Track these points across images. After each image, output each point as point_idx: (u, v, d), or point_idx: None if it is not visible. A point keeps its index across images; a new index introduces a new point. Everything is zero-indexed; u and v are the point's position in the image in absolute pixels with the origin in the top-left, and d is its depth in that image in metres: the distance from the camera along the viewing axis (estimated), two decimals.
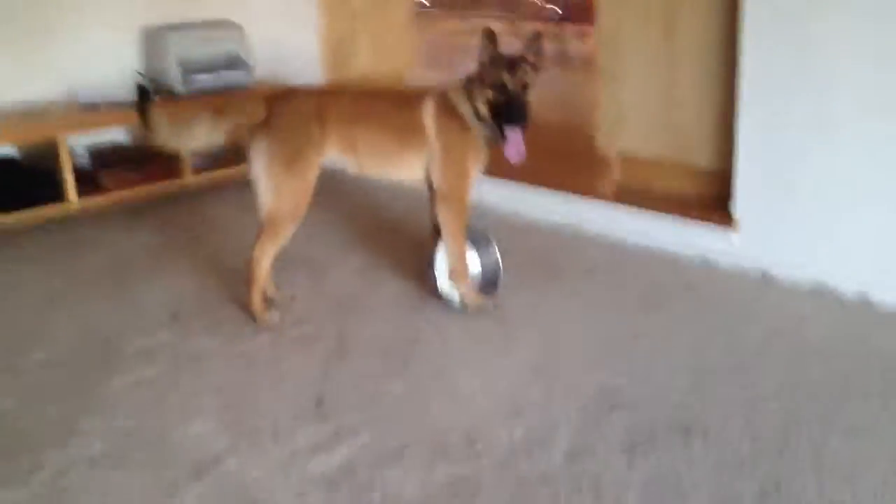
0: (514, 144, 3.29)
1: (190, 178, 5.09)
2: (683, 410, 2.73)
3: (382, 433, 2.66)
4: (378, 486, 2.41)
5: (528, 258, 3.99)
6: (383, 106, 3.43)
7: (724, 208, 3.73)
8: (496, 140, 3.34)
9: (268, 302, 3.53)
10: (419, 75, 7.10)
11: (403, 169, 3.46)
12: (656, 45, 3.95)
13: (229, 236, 4.37)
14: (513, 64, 3.25)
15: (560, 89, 7.10)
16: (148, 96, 3.18)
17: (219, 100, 4.63)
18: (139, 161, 4.99)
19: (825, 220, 3.45)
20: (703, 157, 3.90)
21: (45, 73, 5.05)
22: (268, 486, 2.43)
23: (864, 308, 3.39)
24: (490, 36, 3.29)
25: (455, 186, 3.38)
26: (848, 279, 3.43)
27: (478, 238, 3.58)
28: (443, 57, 8.97)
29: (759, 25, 3.45)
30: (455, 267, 3.44)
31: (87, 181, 4.84)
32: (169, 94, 5.10)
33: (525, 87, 3.25)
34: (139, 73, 5.22)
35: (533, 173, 4.48)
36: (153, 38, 5.21)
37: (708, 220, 3.77)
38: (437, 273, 3.48)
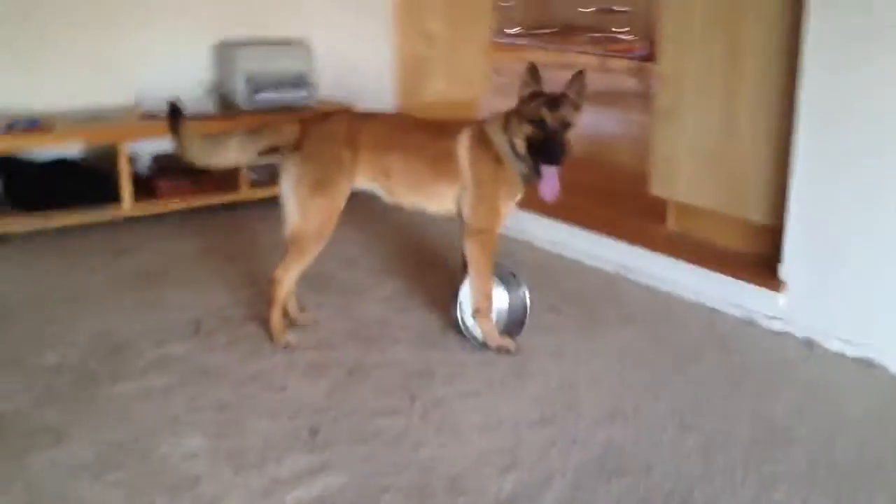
0: (549, 183, 3.20)
1: (246, 192, 5.11)
2: (688, 483, 2.56)
3: (368, 472, 2.57)
4: None
5: (564, 300, 3.86)
6: (418, 135, 3.37)
7: (774, 268, 3.53)
8: (531, 177, 3.24)
9: (290, 322, 3.48)
10: (494, 104, 7.05)
11: (435, 200, 3.39)
12: (717, 88, 3.78)
13: (273, 252, 4.29)
14: (554, 101, 3.16)
15: (635, 129, 6.93)
16: (180, 112, 3.17)
17: (255, 120, 4.61)
18: (197, 172, 5.02)
19: (876, 291, 3.23)
20: (756, 211, 3.71)
21: (118, 82, 5.18)
22: None
23: None
24: (532, 71, 3.21)
25: (484, 221, 3.29)
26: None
27: (507, 276, 3.48)
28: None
29: (817, 79, 3.27)
30: (479, 304, 3.34)
31: (145, 187, 4.90)
32: (233, 109, 5.15)
33: (565, 124, 3.15)
34: (206, 86, 5.28)
35: (585, 214, 4.37)
36: (223, 53, 5.28)
37: (755, 279, 3.58)
38: (460, 308, 3.38)
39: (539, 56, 10.38)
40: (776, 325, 3.54)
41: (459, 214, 3.35)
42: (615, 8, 11.24)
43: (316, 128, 3.30)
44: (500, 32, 10.15)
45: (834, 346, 3.37)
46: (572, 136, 3.21)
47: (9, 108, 4.77)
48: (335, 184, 3.27)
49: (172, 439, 2.71)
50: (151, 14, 5.22)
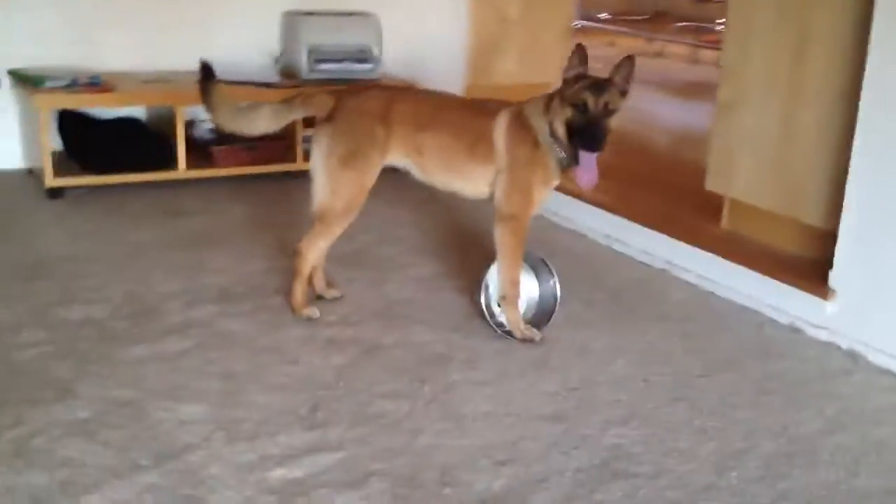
0: (587, 170, 3.08)
1: (301, 163, 5.08)
2: (693, 494, 2.42)
3: (360, 454, 2.51)
4: None
5: (603, 294, 3.73)
6: (455, 113, 3.28)
7: (825, 275, 3.33)
8: (569, 163, 3.12)
9: (317, 296, 3.45)
10: None
11: (468, 182, 3.29)
12: (779, 83, 3.58)
13: None
14: (598, 85, 3.03)
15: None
16: (212, 75, 3.14)
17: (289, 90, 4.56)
18: (255, 140, 5.03)
19: None
20: (812, 214, 3.51)
21: (184, 47, 5.16)
22: (217, 488, 2.32)
23: None
24: (580, 52, 3.07)
25: (517, 206, 3.19)
26: None
27: (538, 265, 3.37)
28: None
29: (882, 78, 3.06)
30: (506, 292, 3.24)
31: (202, 152, 4.93)
32: (295, 79, 5.13)
33: (608, 110, 3.02)
34: (271, 55, 5.28)
35: (639, 207, 4.22)
36: (290, 23, 5.26)
37: (803, 285, 3.38)
38: (486, 294, 3.28)
39: (627, 43, 10.15)
40: (822, 335, 3.35)
41: (492, 199, 3.24)
42: None
43: (350, 100, 3.23)
44: (588, 17, 9.93)
45: (880, 361, 3.17)
46: (616, 122, 3.08)
47: (76, 66, 4.84)
48: (366, 158, 3.20)
49: (172, 404, 2.69)
50: None
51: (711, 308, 3.65)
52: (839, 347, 3.30)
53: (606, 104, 3.02)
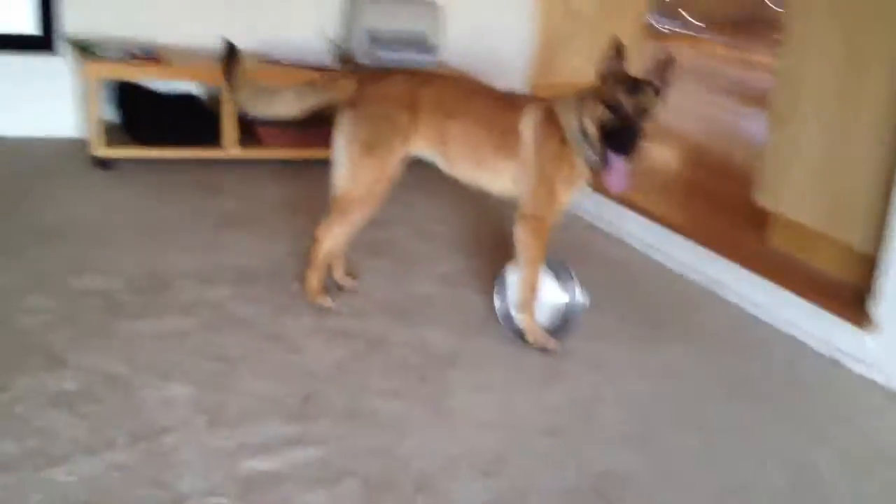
0: (618, 173, 2.92)
1: None
2: None
3: (340, 452, 2.41)
4: None
5: (634, 307, 3.57)
6: (482, 103, 3.15)
7: (865, 303, 3.12)
8: (599, 165, 2.97)
9: (337, 286, 3.39)
10: None
11: (493, 178, 3.17)
12: (833, 95, 3.37)
13: None
14: (634, 84, 2.87)
15: None
16: (236, 55, 3.07)
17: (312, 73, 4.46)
18: (304, 123, 4.97)
19: None
20: (861, 237, 3.29)
21: (249, 25, 5.16)
22: (185, 474, 2.25)
23: None
24: (618, 48, 2.91)
25: (540, 206, 3.05)
26: None
27: (562, 272, 3.22)
28: (688, 82, 8.43)
29: None
30: (524, 296, 3.10)
31: (251, 132, 4.89)
32: (350, 64, 5.06)
33: (642, 112, 2.86)
34: (330, 39, 5.22)
35: (686, 218, 4.05)
36: (351, 7, 5.18)
37: (844, 313, 3.17)
38: (500, 296, 3.15)
39: (715, 50, 9.84)
40: (860, 369, 3.13)
41: (517, 197, 3.11)
42: None
43: (374, 86, 3.13)
44: (677, 21, 9.66)
45: None
46: (650, 125, 2.92)
47: (138, 38, 4.85)
48: (389, 146, 3.10)
49: (160, 383, 2.64)
50: None
51: (748, 331, 3.46)
52: (877, 384, 3.08)
53: (642, 106, 2.86)
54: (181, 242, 3.70)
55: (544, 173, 3.04)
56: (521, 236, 3.08)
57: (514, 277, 3.14)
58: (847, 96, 3.32)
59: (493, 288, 3.21)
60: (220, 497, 2.17)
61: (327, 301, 3.24)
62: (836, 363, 3.22)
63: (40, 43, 4.88)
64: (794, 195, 3.56)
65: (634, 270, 3.96)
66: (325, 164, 4.07)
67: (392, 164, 3.12)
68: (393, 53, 5.03)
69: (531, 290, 3.10)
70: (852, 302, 3.21)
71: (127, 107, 4.88)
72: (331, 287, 3.35)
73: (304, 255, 3.46)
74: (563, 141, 3.01)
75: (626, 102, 2.86)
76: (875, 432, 2.84)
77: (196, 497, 2.16)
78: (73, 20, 4.88)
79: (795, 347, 3.33)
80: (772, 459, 2.60)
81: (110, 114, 4.90)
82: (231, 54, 3.09)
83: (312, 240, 3.20)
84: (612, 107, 2.87)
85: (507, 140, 3.08)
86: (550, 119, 3.04)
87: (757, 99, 8.16)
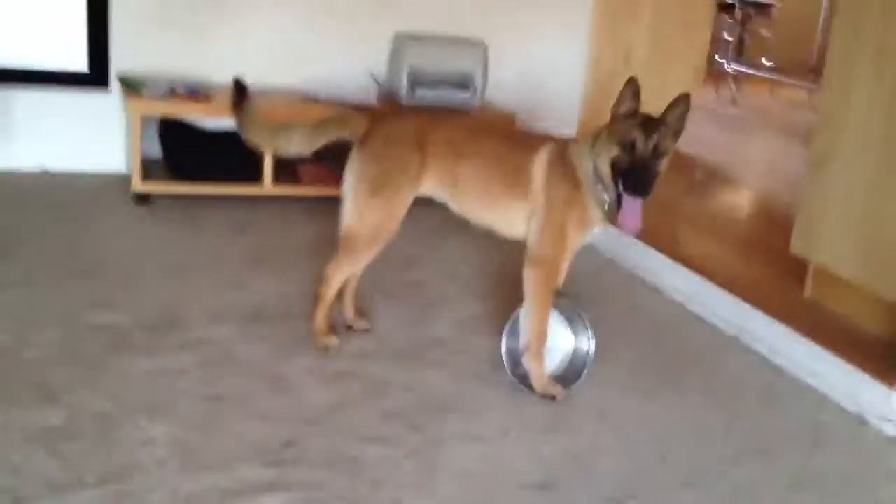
0: (631, 215, 2.82)
1: None
2: None
3: (311, 499, 2.36)
4: None
5: (657, 355, 3.43)
6: (493, 144, 3.08)
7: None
8: (613, 206, 2.87)
9: (347, 327, 3.35)
10: (698, 135, 6.53)
11: (505, 220, 3.09)
12: (874, 138, 3.19)
13: (388, 251, 4.17)
14: (649, 123, 2.77)
15: None
16: (245, 91, 3.06)
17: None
18: (341, 161, 4.97)
19: None
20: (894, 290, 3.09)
21: (289, 64, 5.22)
22: None
23: None
24: (633, 86, 2.82)
25: (548, 249, 2.96)
26: None
27: (574, 317, 3.10)
28: (753, 124, 8.22)
29: None
30: (531, 342, 3.00)
31: (290, 169, 4.90)
32: (392, 103, 5.06)
33: (658, 152, 2.76)
34: (374, 78, 5.22)
35: (720, 266, 3.90)
36: (396, 45, 5.18)
37: (873, 370, 2.98)
38: (508, 340, 3.05)
39: (787, 93, 9.58)
40: (888, 429, 2.93)
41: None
42: None
43: (384, 125, 3.09)
44: (752, 63, 9.43)
45: None
46: (665, 166, 2.81)
47: (186, 76, 4.91)
48: (397, 187, 3.05)
49: (145, 423, 2.61)
50: (331, 1, 5.21)
51: (773, 385, 3.28)
52: None
53: (657, 145, 2.76)
54: (201, 279, 3.70)
55: (553, 216, 2.95)
56: (529, 280, 2.99)
57: (524, 321, 3.04)
58: (890, 141, 3.14)
59: (503, 331, 3.10)
60: None
61: (332, 341, 3.18)
62: (862, 421, 3.02)
63: (91, 79, 4.98)
64: (830, 245, 3.38)
65: (665, 319, 3.82)
66: None
67: (400, 204, 3.07)
68: (433, 92, 5.00)
69: (539, 335, 2.99)
70: (884, 358, 3.01)
71: (169, 143, 4.94)
72: (341, 328, 3.29)
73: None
74: (574, 182, 2.92)
75: (641, 142, 2.76)
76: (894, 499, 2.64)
77: None
78: (125, 58, 4.97)
79: (821, 403, 3.15)
80: None
81: (155, 150, 4.95)
82: (241, 92, 3.08)
83: (319, 279, 3.15)
84: (627, 147, 2.78)
85: (517, 181, 3.00)
86: (563, 160, 2.96)
87: None
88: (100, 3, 4.85)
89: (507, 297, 3.70)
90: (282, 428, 2.66)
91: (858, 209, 3.25)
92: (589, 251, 4.40)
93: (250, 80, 4.96)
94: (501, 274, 4.10)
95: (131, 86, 4.74)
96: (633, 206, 2.82)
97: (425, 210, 3.19)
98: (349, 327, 3.36)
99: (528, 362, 3.01)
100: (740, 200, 5.34)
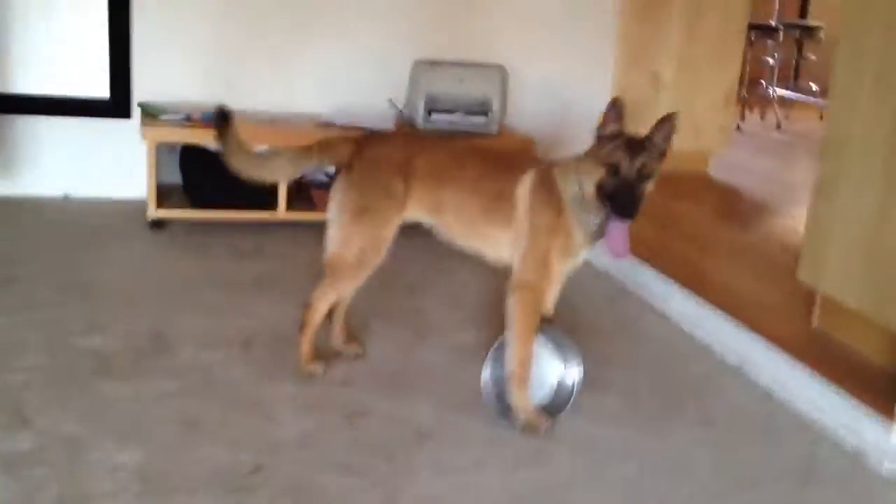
0: (617, 238, 2.77)
1: None
2: None
3: None
4: None
5: (654, 385, 3.33)
6: (477, 168, 3.03)
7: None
8: (599, 231, 2.80)
9: (337, 353, 3.31)
10: (734, 161, 6.40)
11: (490, 245, 3.05)
12: (878, 162, 3.07)
13: (394, 278, 4.13)
14: (635, 144, 2.71)
15: None
16: (228, 118, 3.06)
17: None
18: None
19: None
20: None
21: (310, 90, 5.24)
22: None
23: None
24: (617, 106, 2.75)
25: (531, 275, 2.90)
26: None
27: (564, 347, 3.03)
28: (798, 150, 8.02)
29: None
30: (515, 371, 2.92)
31: (305, 194, 4.91)
32: (410, 127, 5.04)
33: (643, 174, 2.69)
34: (393, 104, 5.22)
35: (729, 293, 3.77)
36: (414, 72, 5.17)
37: (873, 403, 2.85)
38: (491, 369, 2.98)
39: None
40: (886, 465, 2.78)
41: None
42: None
43: (368, 149, 3.06)
44: (798, 88, 9.25)
45: None
46: (652, 187, 2.75)
47: (201, 102, 4.95)
48: (380, 212, 3.01)
49: (114, 448, 2.60)
50: (352, 29, 5.23)
51: (772, 417, 3.15)
52: None
53: (642, 167, 2.70)
54: (200, 303, 3.70)
55: (537, 241, 2.89)
56: (513, 307, 2.92)
57: (509, 350, 2.97)
58: (893, 169, 3.01)
59: (487, 358, 3.02)
60: None
61: (317, 368, 3.15)
62: (860, 456, 2.88)
63: (113, 107, 5.06)
64: (835, 273, 3.25)
65: (670, 348, 3.71)
66: None
67: (385, 229, 3.03)
68: (448, 118, 4.97)
69: (522, 362, 2.91)
70: (883, 391, 2.88)
71: (189, 169, 4.98)
72: (330, 354, 3.26)
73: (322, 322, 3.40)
74: (558, 207, 2.86)
75: (626, 164, 2.69)
76: None
77: None
78: (148, 85, 5.04)
79: (819, 437, 3.01)
80: None
81: (175, 176, 4.99)
82: (223, 118, 3.08)
83: (304, 305, 3.12)
84: (612, 169, 2.71)
85: (502, 206, 2.95)
86: (547, 184, 2.90)
87: None
88: (122, 32, 4.93)
89: None
90: (251, 454, 2.62)
91: (863, 237, 3.12)
92: (602, 278, 4.34)
93: (271, 107, 5.08)
94: None
95: (150, 113, 4.80)
96: (619, 230, 2.76)
97: (435, 236, 3.16)
98: (339, 353, 3.31)
99: (511, 392, 2.93)
100: (770, 228, 5.18)
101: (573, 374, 3.00)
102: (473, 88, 5.05)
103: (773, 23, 8.95)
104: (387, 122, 5.09)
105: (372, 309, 3.62)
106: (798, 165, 7.30)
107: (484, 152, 3.15)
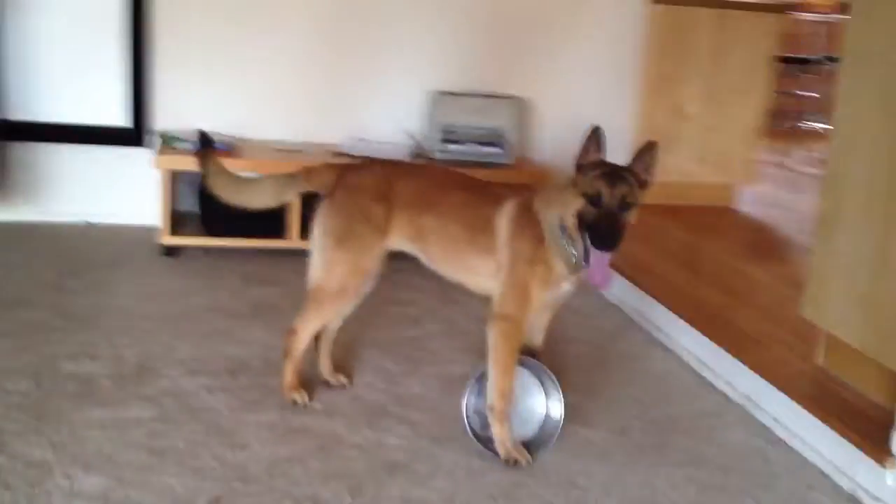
0: (599, 269, 2.70)
1: None
2: None
3: None
4: None
5: (648, 422, 3.23)
6: (458, 196, 2.99)
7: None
8: (580, 262, 2.73)
9: (323, 382, 3.28)
10: (764, 195, 6.27)
11: (471, 274, 2.99)
12: (879, 197, 2.95)
13: (400, 307, 4.10)
14: (615, 174, 2.65)
15: None
16: (210, 143, 3.05)
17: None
18: None
19: None
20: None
21: (331, 121, 5.25)
22: None
23: None
24: (597, 136, 2.69)
25: (511, 306, 2.83)
26: None
27: (548, 382, 2.95)
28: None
29: None
30: (495, 403, 2.85)
31: None
32: (423, 158, 5.02)
33: (625, 204, 2.62)
34: (409, 134, 5.21)
35: (735, 330, 3.65)
36: (430, 102, 5.15)
37: (865, 445, 2.72)
38: (470, 398, 2.91)
39: None
40: None
41: None
42: None
43: (350, 177, 3.04)
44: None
45: None
46: (633, 217, 2.67)
47: (219, 131, 4.98)
48: (362, 240, 2.99)
49: (79, 474, 2.59)
50: (370, 61, 5.24)
51: (767, 458, 3.03)
52: None
53: (623, 196, 2.63)
54: (196, 330, 3.69)
55: (518, 271, 2.82)
56: (492, 338, 2.86)
57: (489, 381, 2.90)
58: (890, 205, 2.90)
59: (467, 387, 2.95)
60: None
61: (300, 397, 3.10)
62: (854, 500, 2.74)
63: (131, 136, 5.11)
64: (837, 310, 3.12)
65: (672, 385, 3.59)
66: (390, 258, 3.83)
67: (366, 256, 3.00)
68: (460, 147, 4.95)
69: (502, 396, 2.84)
70: (883, 433, 2.74)
71: (206, 197, 4.99)
72: (318, 383, 3.22)
73: (309, 348, 3.36)
74: (538, 237, 2.80)
75: (607, 194, 2.63)
76: None
77: None
78: (166, 115, 5.09)
79: (815, 478, 2.89)
80: None
81: (192, 204, 5.01)
82: (206, 145, 3.08)
83: (287, 333, 3.08)
84: (592, 199, 2.64)
85: (482, 235, 2.90)
86: (527, 214, 2.84)
87: None
88: (143, 62, 4.99)
89: None
90: (215, 484, 2.58)
91: (864, 274, 2.99)
92: (610, 311, 4.24)
93: (287, 137, 5.10)
94: None
95: (167, 141, 4.84)
96: (600, 260, 2.69)
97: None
98: (327, 382, 3.27)
99: (491, 425, 2.85)
100: (788, 263, 5.03)
101: (557, 407, 2.91)
102: (488, 119, 5.02)
103: (807, 56, 8.80)
104: (403, 153, 5.07)
105: (370, 338, 3.59)
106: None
107: (466, 180, 3.09)
